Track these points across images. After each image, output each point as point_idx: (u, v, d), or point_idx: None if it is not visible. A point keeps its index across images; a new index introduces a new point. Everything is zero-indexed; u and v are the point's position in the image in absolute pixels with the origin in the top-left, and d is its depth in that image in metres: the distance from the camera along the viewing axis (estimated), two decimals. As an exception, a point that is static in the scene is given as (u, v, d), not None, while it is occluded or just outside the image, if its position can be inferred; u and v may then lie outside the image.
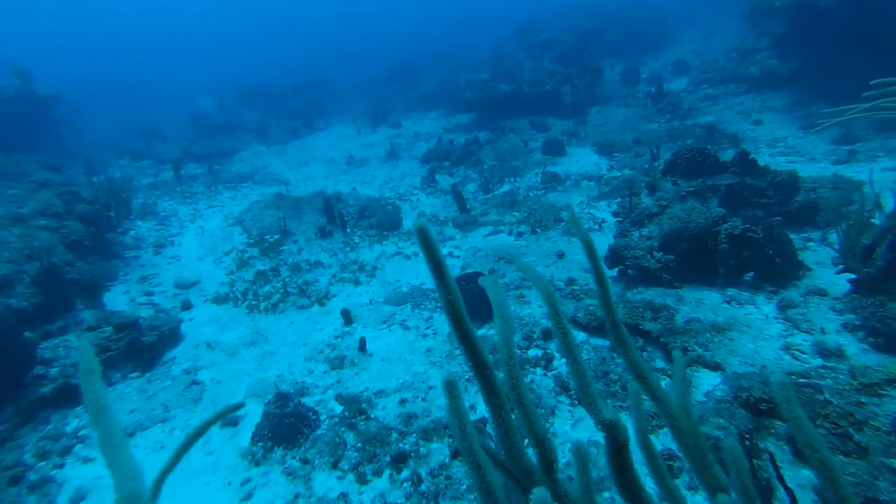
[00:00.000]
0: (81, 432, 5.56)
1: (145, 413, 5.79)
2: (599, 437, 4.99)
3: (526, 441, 1.71)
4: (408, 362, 6.71)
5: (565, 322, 1.81)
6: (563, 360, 6.34)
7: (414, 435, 5.24)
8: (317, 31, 75.29)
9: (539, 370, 6.18)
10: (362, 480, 4.75)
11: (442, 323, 7.56)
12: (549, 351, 6.48)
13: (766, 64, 15.74)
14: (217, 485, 4.88)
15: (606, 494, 4.23)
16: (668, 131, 15.13)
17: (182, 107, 32.29)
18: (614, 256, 7.72)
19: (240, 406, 2.05)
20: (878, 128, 11.11)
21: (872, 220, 5.97)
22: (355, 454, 5.06)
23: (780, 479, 2.95)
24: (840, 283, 6.09)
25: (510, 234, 10.37)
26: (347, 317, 7.79)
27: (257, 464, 5.07)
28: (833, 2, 12.88)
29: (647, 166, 12.99)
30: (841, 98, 12.19)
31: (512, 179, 13.47)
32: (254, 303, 8.68)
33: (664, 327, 6.16)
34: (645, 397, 1.94)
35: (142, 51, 72.24)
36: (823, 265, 6.62)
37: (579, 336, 6.66)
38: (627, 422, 1.69)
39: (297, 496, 4.60)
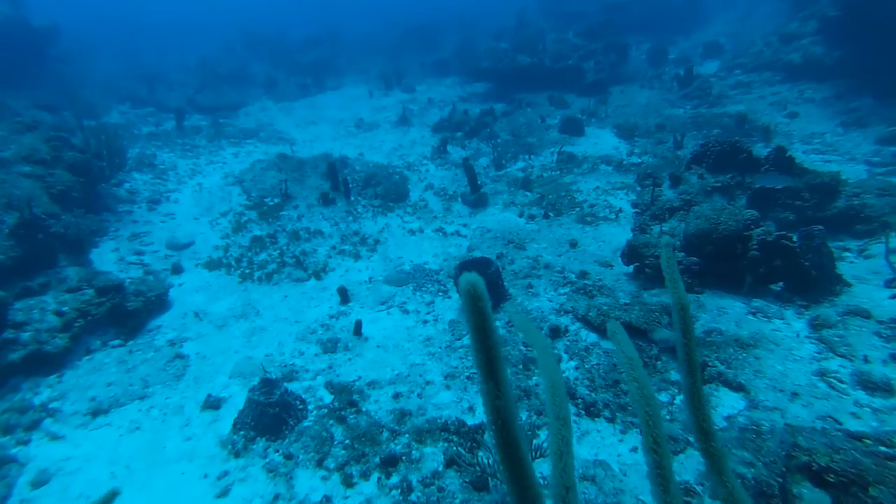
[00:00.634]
0: (52, 405, 5.20)
1: (123, 388, 5.43)
2: (606, 455, 4.62)
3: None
4: (405, 351, 6.31)
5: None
6: (571, 363, 5.95)
7: (407, 435, 4.86)
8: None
9: (544, 371, 5.77)
10: (348, 483, 4.39)
11: (444, 309, 7.14)
12: (557, 351, 6.05)
13: (809, 51, 14.76)
14: (193, 475, 4.53)
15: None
16: (694, 118, 14.36)
17: (191, 47, 31.22)
18: (632, 253, 7.21)
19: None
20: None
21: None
22: (342, 452, 4.70)
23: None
24: (888, 304, 5.57)
25: (521, 215, 9.84)
26: (344, 295, 7.35)
27: (237, 455, 4.71)
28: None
29: (669, 154, 12.33)
30: (891, 94, 11.41)
31: (526, 157, 12.83)
32: (247, 271, 8.24)
33: (683, 336, 5.71)
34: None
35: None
36: (864, 281, 6.08)
37: (590, 337, 6.23)
38: None
39: (276, 497, 4.25)
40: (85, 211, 8.61)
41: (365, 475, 4.45)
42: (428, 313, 7.07)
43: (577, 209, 9.82)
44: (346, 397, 5.50)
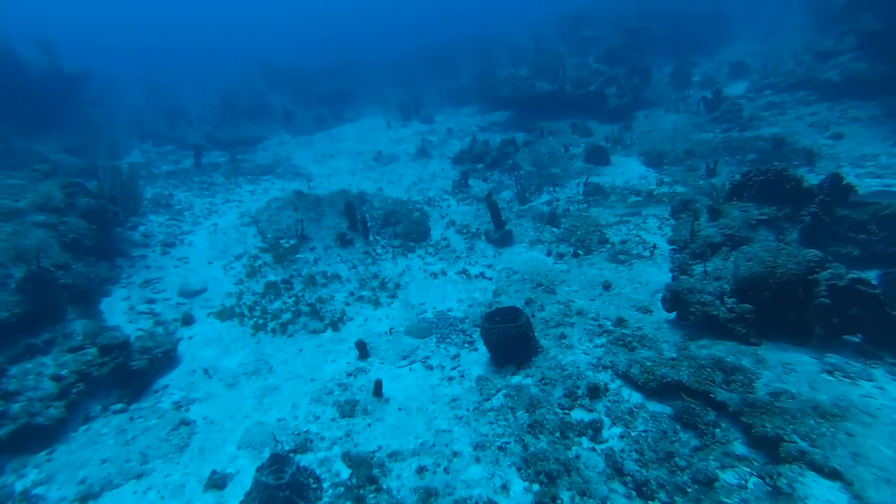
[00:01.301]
0: (36, 490, 4.72)
1: (119, 464, 4.95)
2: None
3: None
4: (429, 414, 5.73)
5: None
6: (615, 429, 5.28)
7: (433, 525, 4.26)
8: (350, 15, 74.72)
9: (585, 440, 5.12)
10: (366, 589, 3.79)
11: (470, 363, 6.56)
12: (597, 415, 5.40)
13: (849, 67, 14.02)
14: (190, 576, 3.99)
15: None
16: (726, 143, 13.70)
17: (212, 80, 31.94)
18: (675, 299, 6.55)
19: None
20: None
21: None
22: (360, 547, 4.11)
23: None
24: None
25: (549, 254, 9.26)
26: (363, 349, 6.83)
27: (240, 551, 4.16)
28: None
29: (702, 183, 11.67)
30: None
31: (551, 189, 12.30)
32: (261, 321, 7.81)
33: (743, 399, 5.01)
34: None
35: (179, 25, 72.67)
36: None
37: (633, 397, 5.56)
38: None
39: None
40: (96, 259, 8.34)
41: (386, 578, 3.85)
42: (453, 368, 6.50)
43: (608, 246, 9.21)
44: (366, 472, 4.93)
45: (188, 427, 5.61)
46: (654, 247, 8.99)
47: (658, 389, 5.54)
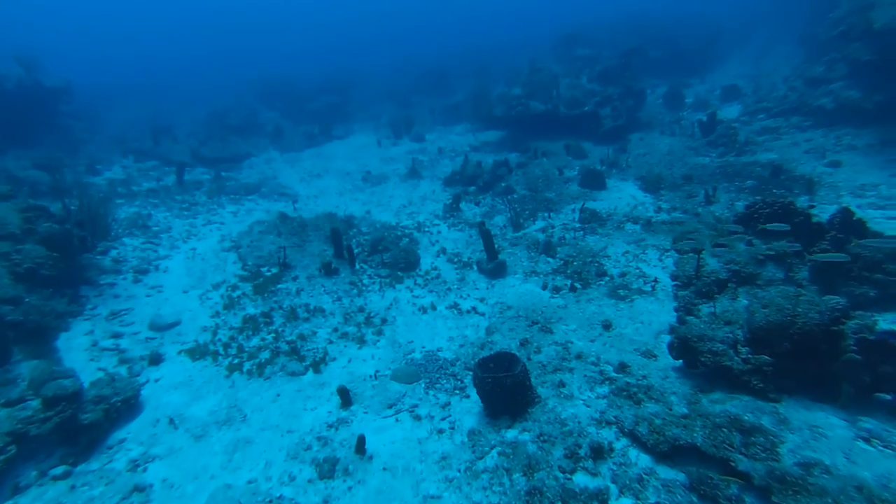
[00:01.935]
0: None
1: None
2: None
3: None
4: (416, 475, 5.15)
5: None
6: (625, 500, 4.74)
7: None
8: (346, 26, 74.93)
9: (590, 512, 4.57)
10: None
11: (461, 413, 6.00)
12: (602, 480, 4.86)
13: (842, 95, 13.87)
14: None
15: None
16: (723, 168, 13.41)
17: (203, 97, 31.41)
18: (683, 346, 6.06)
19: None
20: None
21: None
22: None
23: None
24: None
25: (545, 287, 8.76)
26: (346, 396, 6.24)
27: None
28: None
29: (700, 209, 11.32)
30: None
31: (546, 214, 11.85)
32: (236, 361, 7.19)
33: (769, 471, 4.48)
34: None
35: (167, 39, 72.20)
36: None
37: (641, 460, 5.03)
38: None
39: None
40: (55, 290, 7.68)
41: None
42: (443, 419, 5.93)
43: (607, 279, 8.75)
44: (342, 553, 4.33)
45: (142, 494, 4.97)
46: (656, 280, 8.54)
47: (670, 453, 5.02)
